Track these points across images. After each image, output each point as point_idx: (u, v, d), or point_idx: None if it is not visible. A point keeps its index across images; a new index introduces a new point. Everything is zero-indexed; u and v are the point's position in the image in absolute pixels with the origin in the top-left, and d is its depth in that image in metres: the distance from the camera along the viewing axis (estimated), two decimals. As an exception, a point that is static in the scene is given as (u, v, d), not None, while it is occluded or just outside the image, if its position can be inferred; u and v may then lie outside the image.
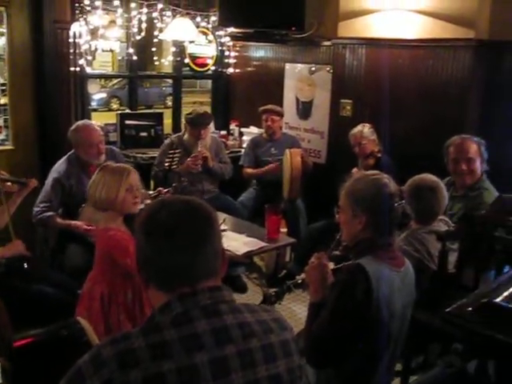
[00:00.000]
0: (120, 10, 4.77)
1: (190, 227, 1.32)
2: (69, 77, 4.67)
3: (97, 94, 12.16)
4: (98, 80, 6.25)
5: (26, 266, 3.21)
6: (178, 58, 5.76)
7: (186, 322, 1.24)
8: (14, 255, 3.15)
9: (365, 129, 4.45)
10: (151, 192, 3.93)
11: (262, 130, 5.20)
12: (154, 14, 5.00)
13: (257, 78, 5.96)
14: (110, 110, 14.44)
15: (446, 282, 2.89)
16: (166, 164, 4.22)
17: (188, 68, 6.00)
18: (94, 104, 12.58)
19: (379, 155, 4.40)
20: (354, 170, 4.33)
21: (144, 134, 5.38)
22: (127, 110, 5.77)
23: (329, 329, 1.98)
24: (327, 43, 5.11)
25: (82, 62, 4.72)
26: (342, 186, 2.20)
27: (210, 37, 5.90)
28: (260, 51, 5.91)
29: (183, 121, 5.64)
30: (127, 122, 5.33)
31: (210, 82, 6.54)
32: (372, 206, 2.07)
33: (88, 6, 4.59)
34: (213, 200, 4.50)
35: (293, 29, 5.10)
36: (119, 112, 5.79)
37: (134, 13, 4.88)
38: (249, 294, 4.48)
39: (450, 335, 2.50)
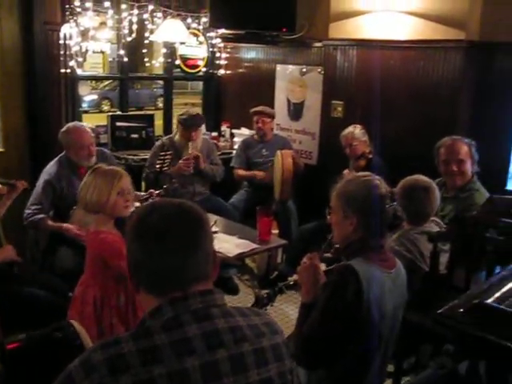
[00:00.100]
0: (111, 12, 4.75)
1: (181, 230, 1.31)
2: (59, 78, 4.65)
3: (88, 95, 12.08)
4: (88, 82, 6.20)
5: (16, 270, 3.20)
6: (169, 60, 5.75)
7: (176, 326, 1.23)
8: (5, 260, 3.14)
9: (356, 130, 4.46)
10: (142, 193, 3.93)
11: (254, 132, 5.20)
12: (145, 16, 4.98)
13: (248, 80, 5.96)
14: (101, 111, 14.38)
15: (437, 283, 2.90)
16: (157, 166, 4.21)
17: (179, 69, 5.99)
18: (84, 106, 12.52)
19: (370, 156, 4.41)
20: (346, 171, 4.34)
21: (135, 135, 5.37)
22: (118, 112, 5.75)
23: (319, 329, 1.98)
24: (318, 44, 5.11)
25: (72, 63, 4.69)
26: (334, 187, 2.20)
27: (201, 38, 5.88)
28: (251, 52, 5.90)
29: (174, 122, 5.63)
30: (118, 123, 5.32)
31: (201, 83, 6.53)
32: (363, 208, 2.08)
33: (78, 7, 4.56)
34: (204, 202, 4.50)
35: (284, 30, 5.10)
36: (110, 114, 5.77)
37: (124, 14, 4.86)
38: (241, 296, 4.48)
39: (442, 336, 2.51)
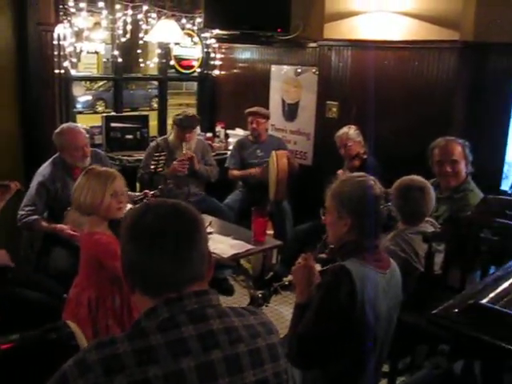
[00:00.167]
0: (105, 12, 4.75)
1: (176, 231, 1.30)
2: (53, 79, 4.63)
3: (82, 96, 12.07)
4: (83, 82, 6.19)
5: (9, 276, 3.18)
6: (164, 60, 5.74)
7: (172, 327, 1.23)
8: None
9: (350, 130, 4.46)
10: (137, 194, 3.92)
11: (248, 132, 5.20)
12: (139, 16, 4.97)
13: (243, 80, 5.96)
14: (96, 112, 14.35)
15: (432, 283, 2.90)
16: (152, 166, 4.20)
17: (173, 70, 5.99)
18: (79, 106, 12.50)
19: (365, 157, 4.42)
20: (340, 171, 4.35)
21: (130, 136, 5.36)
22: (112, 113, 5.73)
23: (313, 330, 1.98)
24: (313, 45, 5.12)
25: (66, 64, 4.68)
26: (328, 187, 2.20)
27: (196, 39, 5.88)
28: (246, 53, 5.90)
29: (169, 123, 5.62)
30: (113, 124, 5.31)
31: (195, 84, 6.52)
32: (357, 208, 2.08)
33: (72, 7, 4.55)
34: (199, 202, 4.50)
35: (278, 30, 5.10)
36: (104, 115, 5.76)
37: (118, 14, 4.85)
38: (236, 297, 4.47)
39: (437, 336, 2.51)
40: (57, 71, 4.61)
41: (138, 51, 5.32)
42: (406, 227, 3.03)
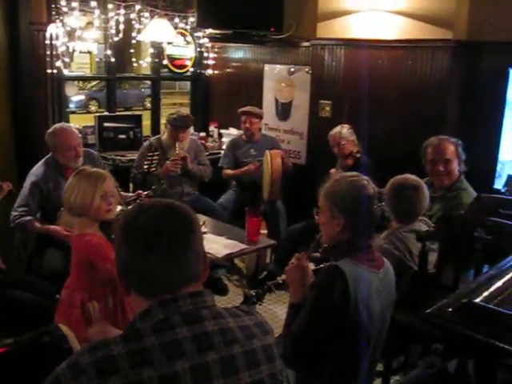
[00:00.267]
0: (97, 11, 4.72)
1: (170, 231, 1.29)
2: (45, 79, 4.60)
3: (75, 96, 12.05)
4: (75, 82, 6.16)
5: (1, 278, 3.17)
6: (157, 60, 5.73)
7: (166, 328, 1.23)
8: None
9: (344, 129, 4.47)
10: (130, 195, 3.91)
11: (242, 132, 5.19)
12: (132, 15, 4.95)
13: (236, 79, 5.95)
14: (89, 112, 14.32)
15: (426, 282, 2.90)
16: (145, 166, 4.19)
17: (167, 69, 5.97)
18: (72, 106, 12.45)
19: (358, 155, 4.42)
20: (333, 170, 4.35)
21: (123, 136, 5.35)
22: (105, 113, 5.72)
23: (307, 329, 1.98)
24: (306, 44, 5.12)
25: (59, 63, 4.66)
26: (322, 187, 2.19)
27: (189, 38, 5.87)
28: (239, 52, 5.90)
29: (162, 122, 5.61)
30: (105, 124, 5.29)
31: (189, 83, 6.51)
32: (350, 208, 2.08)
33: (64, 7, 4.53)
34: (192, 202, 4.49)
35: (272, 30, 5.10)
36: (97, 114, 5.74)
37: (111, 14, 4.84)
38: (230, 296, 4.47)
39: (431, 335, 2.51)
40: (49, 71, 4.59)
41: (131, 51, 5.30)
42: (399, 226, 3.03)
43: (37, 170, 3.81)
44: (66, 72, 4.88)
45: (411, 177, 3.07)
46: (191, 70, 6.09)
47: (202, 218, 3.81)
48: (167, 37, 5.16)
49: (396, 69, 4.44)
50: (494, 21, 4.02)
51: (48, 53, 4.55)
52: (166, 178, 4.50)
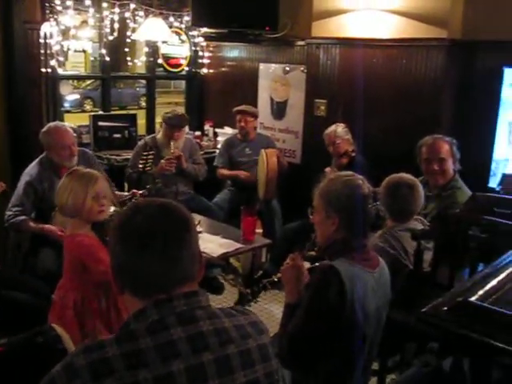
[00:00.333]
0: (92, 10, 4.71)
1: (165, 232, 1.29)
2: (40, 78, 4.60)
3: (70, 95, 12.03)
4: (70, 81, 6.14)
5: None
6: (152, 59, 5.72)
7: (161, 329, 1.22)
8: None
9: (339, 128, 4.47)
10: (125, 194, 3.90)
11: (237, 131, 5.19)
12: (127, 14, 4.94)
13: (231, 79, 5.95)
14: (84, 111, 14.28)
15: (421, 281, 2.91)
16: (140, 166, 4.18)
17: (162, 68, 5.96)
18: (67, 105, 12.43)
19: (353, 154, 4.42)
20: (327, 169, 4.35)
21: (117, 135, 5.33)
22: (100, 112, 5.70)
23: (303, 329, 1.98)
24: (301, 43, 5.12)
25: (53, 62, 4.64)
26: (316, 186, 2.19)
27: (184, 37, 5.86)
28: (234, 51, 5.89)
29: (157, 121, 5.60)
30: (100, 123, 5.28)
31: (184, 82, 6.50)
32: (345, 207, 2.07)
33: (59, 5, 4.51)
34: (187, 201, 4.48)
35: (267, 29, 5.09)
36: (92, 114, 5.73)
37: (106, 13, 4.82)
38: (225, 296, 4.47)
39: (426, 334, 2.51)
40: (43, 70, 4.58)
41: (126, 50, 5.29)
42: (394, 225, 3.03)
43: (31, 169, 3.79)
44: (60, 71, 4.86)
45: (406, 176, 3.07)
46: (186, 69, 6.08)
47: (197, 217, 3.80)
48: (162, 36, 5.15)
49: (391, 68, 4.44)
50: (489, 20, 4.02)
51: (42, 52, 4.54)
52: (161, 177, 4.50)
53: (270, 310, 4.23)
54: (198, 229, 3.45)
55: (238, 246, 3.55)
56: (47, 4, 4.50)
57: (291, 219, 4.76)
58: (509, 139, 4.08)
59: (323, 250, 2.20)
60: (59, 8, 4.53)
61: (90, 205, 2.63)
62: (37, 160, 3.84)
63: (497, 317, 1.71)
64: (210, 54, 5.99)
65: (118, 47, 5.42)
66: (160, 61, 5.82)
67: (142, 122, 5.91)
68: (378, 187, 3.02)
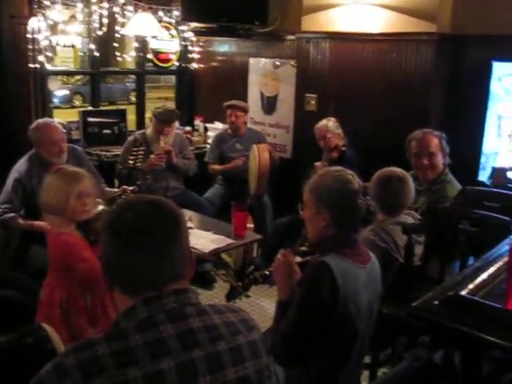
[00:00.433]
0: (80, 5, 4.68)
1: (155, 229, 1.29)
2: (28, 74, 4.56)
3: (59, 90, 11.96)
4: (59, 77, 6.11)
5: None
6: (141, 54, 5.69)
7: (151, 326, 1.22)
8: None
9: (329, 123, 4.47)
10: (115, 190, 3.88)
11: (227, 126, 5.18)
12: (116, 9, 4.91)
13: (221, 73, 5.93)
14: (73, 106, 14.17)
15: (411, 275, 2.92)
16: (131, 162, 4.16)
17: (151, 64, 5.94)
18: (56, 101, 12.32)
19: (343, 149, 4.42)
20: (318, 163, 4.35)
21: (107, 131, 5.31)
22: (90, 108, 5.67)
23: (296, 326, 1.98)
24: (291, 37, 5.11)
25: (41, 58, 4.61)
26: (306, 182, 2.18)
27: (173, 32, 5.83)
28: (224, 46, 5.87)
29: (147, 116, 5.58)
30: (90, 119, 5.25)
31: (174, 77, 6.48)
32: (335, 203, 2.07)
33: (46, 0, 4.47)
34: (178, 197, 4.47)
35: (256, 23, 5.08)
36: (82, 109, 5.69)
37: (94, 7, 4.79)
38: (217, 291, 4.46)
39: (417, 327, 2.53)
40: (31, 65, 4.55)
41: (115, 45, 5.26)
42: (385, 218, 3.04)
43: (20, 166, 3.77)
44: (49, 67, 4.83)
45: (397, 169, 3.08)
46: (176, 63, 6.05)
47: (188, 213, 3.80)
48: (151, 31, 5.13)
49: (381, 62, 4.45)
50: (478, 14, 4.04)
51: (30, 47, 4.50)
52: (151, 172, 4.47)
53: (262, 305, 4.23)
54: (189, 224, 3.43)
55: (230, 241, 3.55)
56: (35, -1, 4.46)
57: (282, 214, 4.77)
58: (498, 133, 4.10)
59: (314, 246, 2.20)
60: (47, 3, 4.49)
61: (73, 204, 2.61)
62: (26, 156, 3.81)
63: (487, 310, 1.72)
64: (200, 49, 5.96)
65: (107, 42, 5.38)
66: (150, 56, 5.79)
67: (131, 117, 5.88)
68: (369, 182, 3.02)
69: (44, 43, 4.60)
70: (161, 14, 5.32)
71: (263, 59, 5.48)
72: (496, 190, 3.47)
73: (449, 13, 4.19)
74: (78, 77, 14.50)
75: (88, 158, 4.33)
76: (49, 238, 2.72)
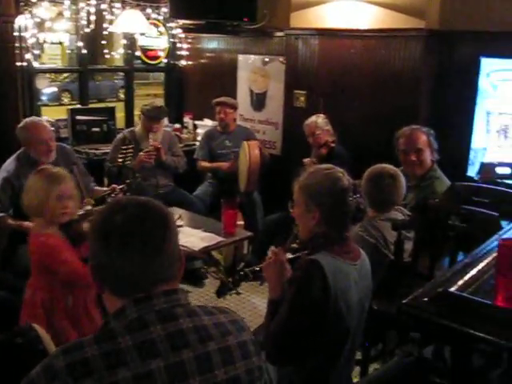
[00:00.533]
0: (67, 2, 4.64)
1: (146, 230, 1.28)
2: (15, 72, 4.53)
3: (47, 88, 11.88)
4: (47, 74, 6.06)
5: None
6: (129, 51, 5.67)
7: (140, 327, 1.21)
8: None
9: (319, 119, 4.47)
10: (105, 189, 3.86)
11: (216, 123, 5.16)
12: (103, 6, 4.88)
13: (210, 70, 5.92)
14: (62, 104, 14.09)
15: (401, 271, 2.93)
16: (120, 160, 4.14)
17: (140, 61, 5.91)
18: (44, 99, 12.26)
19: (333, 145, 4.43)
20: (306, 160, 4.35)
21: (96, 129, 5.28)
22: (78, 105, 5.64)
23: (287, 325, 1.98)
24: (280, 34, 5.10)
25: (28, 56, 4.58)
26: (296, 180, 2.18)
27: (162, 29, 5.81)
28: (212, 43, 5.86)
29: (136, 114, 5.56)
30: (78, 117, 5.22)
31: (163, 74, 6.45)
32: (325, 201, 2.07)
33: (34, -3, 4.45)
34: (168, 194, 4.47)
35: (245, 20, 5.06)
36: (70, 107, 5.66)
37: (82, 4, 4.76)
38: (208, 288, 4.46)
39: (407, 323, 2.54)
40: (19, 63, 4.51)
41: (103, 42, 5.22)
42: (375, 214, 3.04)
43: (8, 165, 3.75)
44: (36, 64, 4.79)
45: (389, 166, 3.09)
46: (165, 60, 6.03)
47: (178, 210, 3.79)
48: (139, 28, 5.11)
49: (369, 58, 4.45)
50: (466, 10, 4.05)
51: (17, 45, 4.46)
52: (141, 170, 4.46)
53: (253, 302, 4.23)
54: (179, 223, 3.43)
55: (220, 239, 3.54)
56: (22, -4, 4.43)
57: (272, 211, 4.77)
58: (486, 128, 4.12)
59: (305, 244, 2.20)
60: (34, 0, 4.46)
61: (52, 205, 2.59)
62: (14, 156, 3.79)
63: (476, 306, 1.73)
64: (189, 46, 5.94)
65: (95, 39, 5.36)
66: (138, 53, 5.77)
67: (120, 114, 5.86)
68: (359, 179, 3.03)
69: (31, 41, 4.57)
70: (149, 10, 5.29)
71: (252, 56, 5.47)
72: (485, 185, 3.48)
73: (437, 9, 4.20)
74: (66, 74, 14.41)
75: (77, 157, 4.30)
76: (30, 238, 2.70)
